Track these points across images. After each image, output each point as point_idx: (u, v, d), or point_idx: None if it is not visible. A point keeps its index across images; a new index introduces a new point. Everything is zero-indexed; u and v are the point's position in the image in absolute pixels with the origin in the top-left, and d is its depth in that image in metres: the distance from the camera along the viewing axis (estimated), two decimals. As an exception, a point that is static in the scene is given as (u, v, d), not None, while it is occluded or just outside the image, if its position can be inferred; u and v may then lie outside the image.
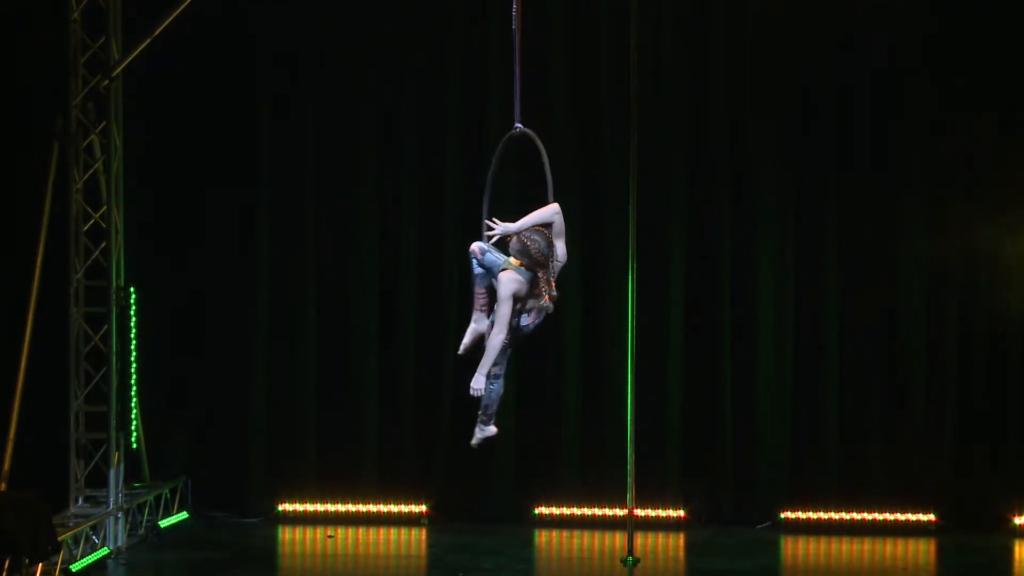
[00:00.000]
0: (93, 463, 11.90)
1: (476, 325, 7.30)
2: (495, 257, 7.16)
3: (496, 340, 7.07)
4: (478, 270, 7.23)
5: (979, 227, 12.75)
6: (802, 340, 12.93)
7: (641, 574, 11.14)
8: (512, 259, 7.11)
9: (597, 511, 12.87)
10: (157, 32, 11.28)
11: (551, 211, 7.20)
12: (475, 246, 7.25)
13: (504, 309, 7.05)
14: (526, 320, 7.20)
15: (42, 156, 11.59)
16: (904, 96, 12.76)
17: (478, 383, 7.16)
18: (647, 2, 12.44)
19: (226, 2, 12.68)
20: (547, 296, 7.14)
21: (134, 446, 12.17)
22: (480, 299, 7.28)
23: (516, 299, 7.08)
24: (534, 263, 7.06)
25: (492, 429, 7.39)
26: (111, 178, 11.85)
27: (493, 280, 7.16)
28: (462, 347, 7.37)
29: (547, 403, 13.03)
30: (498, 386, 7.26)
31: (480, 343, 7.25)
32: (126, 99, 12.11)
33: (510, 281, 7.05)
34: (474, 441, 7.43)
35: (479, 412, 7.32)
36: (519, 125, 7.41)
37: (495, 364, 7.15)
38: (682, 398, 12.93)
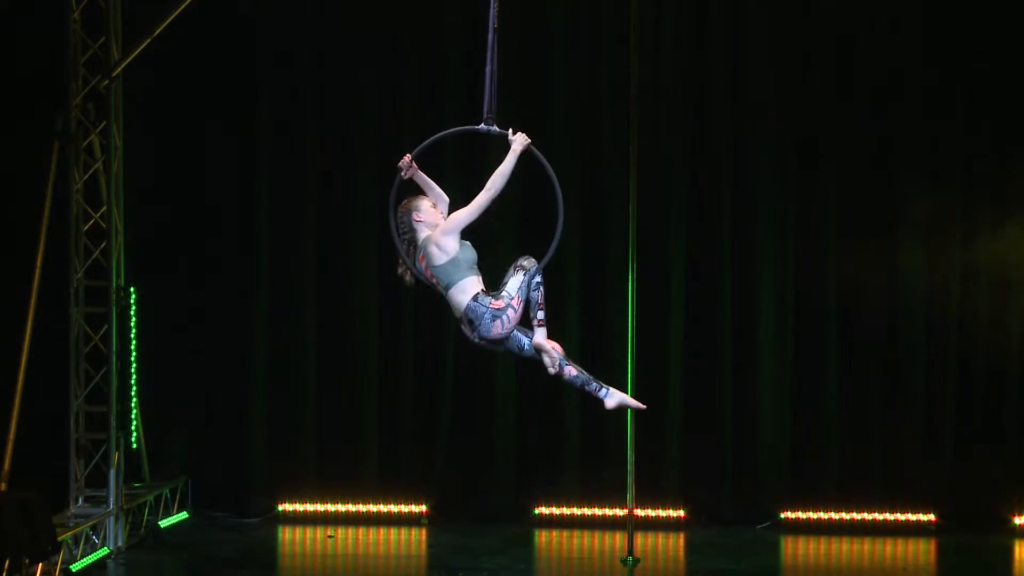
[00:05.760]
0: (93, 463, 11.88)
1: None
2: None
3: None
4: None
5: (981, 227, 12.75)
6: (802, 340, 12.93)
7: (641, 574, 11.15)
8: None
9: (597, 511, 12.86)
10: (157, 32, 11.27)
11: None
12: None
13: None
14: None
15: (42, 156, 11.58)
16: (905, 101, 12.76)
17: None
18: (647, 2, 12.46)
19: (226, 2, 12.69)
20: None
21: (134, 446, 12.17)
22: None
23: None
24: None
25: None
26: (111, 178, 11.84)
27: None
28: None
29: (547, 403, 13.01)
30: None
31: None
32: (126, 99, 12.13)
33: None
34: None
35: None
36: (490, 120, 7.31)
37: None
38: (682, 398, 12.92)
